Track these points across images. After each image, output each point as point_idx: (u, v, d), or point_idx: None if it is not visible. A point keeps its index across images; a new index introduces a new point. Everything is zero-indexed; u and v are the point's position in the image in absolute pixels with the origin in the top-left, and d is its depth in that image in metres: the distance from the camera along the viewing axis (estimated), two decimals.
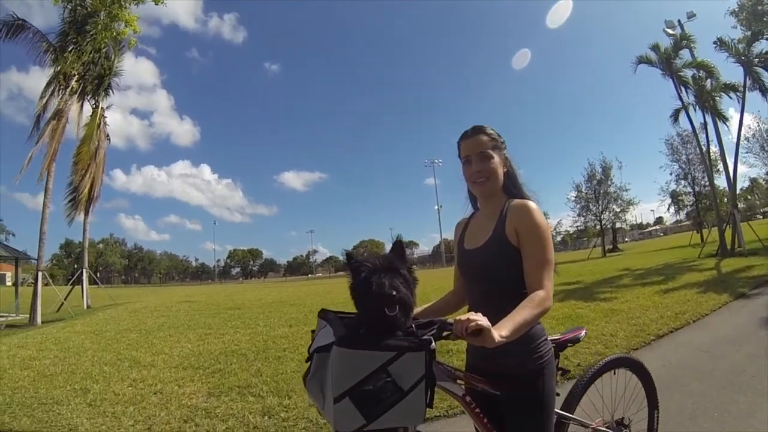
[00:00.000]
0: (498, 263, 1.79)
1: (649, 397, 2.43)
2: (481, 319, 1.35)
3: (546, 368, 1.74)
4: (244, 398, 4.44)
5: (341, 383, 1.27)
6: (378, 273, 1.41)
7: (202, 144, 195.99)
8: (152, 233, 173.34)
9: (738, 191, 22.05)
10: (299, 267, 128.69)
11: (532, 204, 1.80)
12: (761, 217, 53.07)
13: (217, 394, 4.63)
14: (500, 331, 1.39)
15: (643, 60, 21.09)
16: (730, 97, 19.75)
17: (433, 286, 14.01)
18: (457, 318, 1.41)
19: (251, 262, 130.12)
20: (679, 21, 20.99)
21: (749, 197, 65.42)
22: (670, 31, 20.75)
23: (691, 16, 20.91)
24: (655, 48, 20.77)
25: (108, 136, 19.82)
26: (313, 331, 1.67)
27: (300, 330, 8.42)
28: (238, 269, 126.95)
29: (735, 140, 20.87)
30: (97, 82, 18.34)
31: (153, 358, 6.57)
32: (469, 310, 1.98)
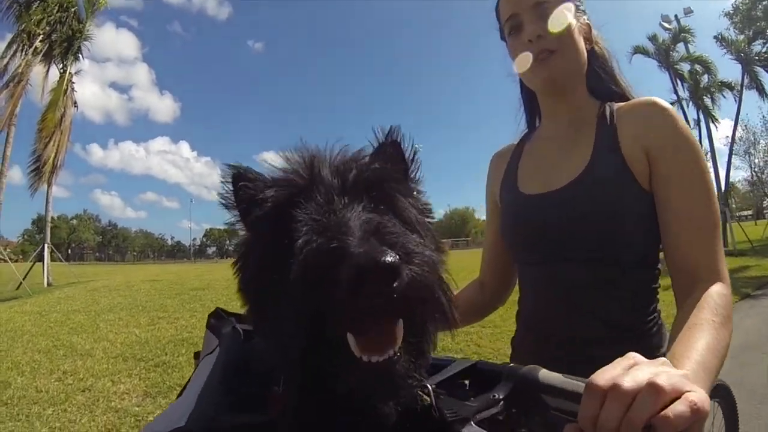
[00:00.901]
0: (608, 216, 0.95)
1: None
2: (697, 395, 0.47)
3: None
4: None
5: None
6: (337, 219, 0.51)
7: (182, 120, 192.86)
8: (128, 210, 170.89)
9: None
10: None
11: (668, 105, 0.96)
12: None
13: (154, 395, 3.96)
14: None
15: (639, 50, 20.62)
16: (725, 96, 19.60)
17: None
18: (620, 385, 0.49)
19: (227, 242, 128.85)
20: (675, 16, 20.57)
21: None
22: (666, 25, 20.41)
23: (688, 12, 20.51)
24: (653, 38, 20.41)
25: (75, 103, 18.66)
26: (196, 356, 0.95)
27: None
28: (214, 248, 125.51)
29: (726, 139, 20.90)
30: (66, 45, 17.14)
31: (92, 346, 5.82)
32: (522, 319, 1.17)
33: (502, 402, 0.64)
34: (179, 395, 0.78)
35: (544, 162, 1.11)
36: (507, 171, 1.21)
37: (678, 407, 0.46)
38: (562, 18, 0.99)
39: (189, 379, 0.81)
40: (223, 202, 0.68)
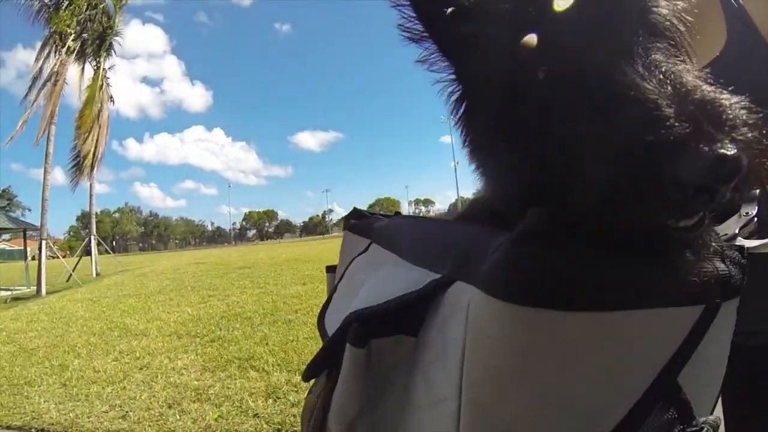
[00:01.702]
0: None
1: None
2: None
3: None
4: (245, 374, 3.58)
5: None
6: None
7: (215, 108, 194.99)
8: (168, 200, 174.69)
9: None
10: (315, 227, 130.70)
11: None
12: None
13: (213, 369, 3.79)
14: None
15: None
16: None
17: None
18: None
19: (267, 224, 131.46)
20: None
21: None
22: None
23: None
24: None
25: (111, 97, 19.22)
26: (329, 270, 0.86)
27: (315, 288, 7.56)
28: (253, 231, 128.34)
29: None
30: (98, 42, 17.58)
31: (146, 326, 5.75)
32: None
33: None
34: (325, 306, 0.74)
35: None
36: None
37: None
38: None
39: (335, 287, 0.76)
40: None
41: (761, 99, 0.60)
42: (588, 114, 0.36)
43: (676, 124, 0.31)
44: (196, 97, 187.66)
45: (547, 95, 0.39)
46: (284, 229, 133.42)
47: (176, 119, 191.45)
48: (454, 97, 0.49)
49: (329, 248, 22.32)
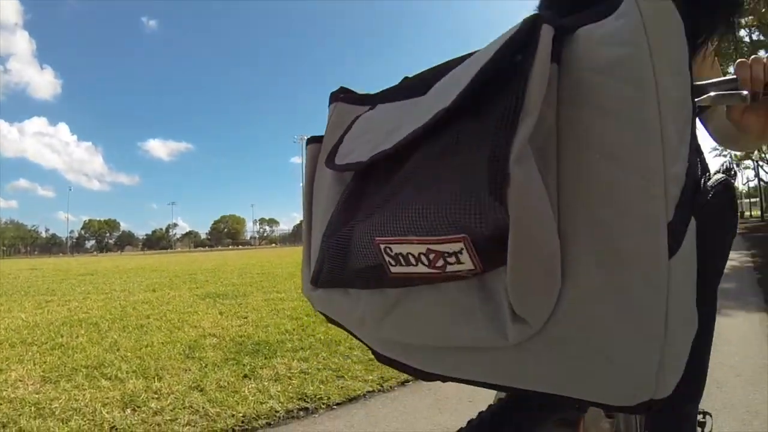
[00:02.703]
0: None
1: None
2: None
3: None
4: (95, 383, 3.29)
5: None
6: None
7: (63, 100, 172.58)
8: None
9: None
10: (158, 241, 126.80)
11: None
12: None
13: (56, 380, 3.41)
14: None
15: None
16: None
17: (296, 261, 13.30)
18: None
19: (108, 235, 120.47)
20: None
21: None
22: None
23: None
24: None
25: None
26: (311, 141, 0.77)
27: (166, 294, 7.16)
28: (92, 242, 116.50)
29: None
30: None
31: None
32: None
33: None
34: (334, 150, 0.68)
35: None
36: None
37: None
38: None
39: (341, 136, 0.71)
40: None
41: None
42: None
43: None
44: (44, 83, 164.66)
45: None
46: (126, 241, 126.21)
47: (17, 105, 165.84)
48: None
49: (176, 260, 21.07)
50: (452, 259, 0.41)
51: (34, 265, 16.82)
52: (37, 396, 3.12)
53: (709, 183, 0.67)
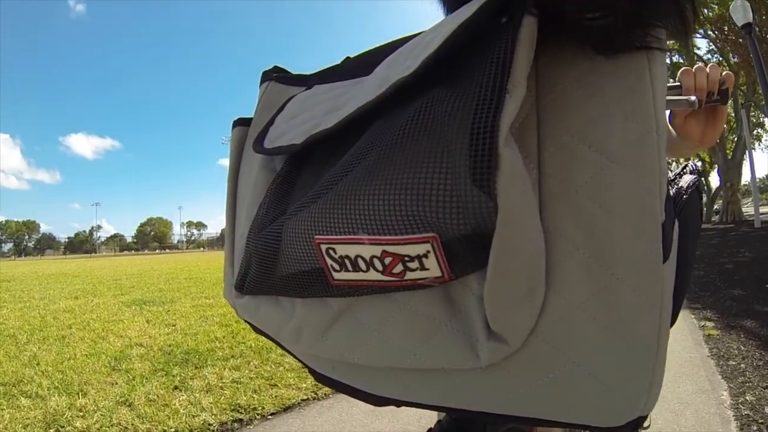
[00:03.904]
0: None
1: None
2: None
3: None
4: (14, 402, 3.14)
5: None
6: None
7: None
8: None
9: None
10: (81, 244, 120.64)
11: None
12: None
13: None
14: None
15: None
16: None
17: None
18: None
19: (26, 237, 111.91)
20: None
21: None
22: None
23: None
24: None
25: None
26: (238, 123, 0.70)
27: (90, 302, 6.82)
28: (10, 245, 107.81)
29: None
30: None
31: None
32: None
33: None
34: (262, 134, 0.59)
35: None
36: None
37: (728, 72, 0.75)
38: None
39: (273, 118, 0.62)
40: None
41: None
42: None
43: None
44: None
45: None
46: (46, 244, 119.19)
47: None
48: None
49: (100, 265, 19.96)
50: (414, 264, 0.34)
51: None
52: None
53: (683, 184, 0.67)
